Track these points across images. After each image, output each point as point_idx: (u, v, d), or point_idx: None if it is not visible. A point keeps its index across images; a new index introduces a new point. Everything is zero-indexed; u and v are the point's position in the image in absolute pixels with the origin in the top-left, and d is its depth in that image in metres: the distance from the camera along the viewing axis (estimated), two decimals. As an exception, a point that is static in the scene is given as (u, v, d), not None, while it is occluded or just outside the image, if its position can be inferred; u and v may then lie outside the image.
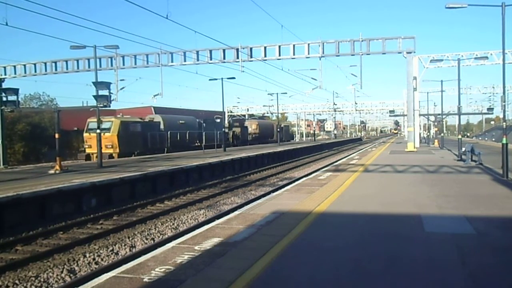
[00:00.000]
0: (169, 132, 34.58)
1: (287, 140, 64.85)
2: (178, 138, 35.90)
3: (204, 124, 40.53)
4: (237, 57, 30.38)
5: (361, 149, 45.04)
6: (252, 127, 55.67)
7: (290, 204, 9.66)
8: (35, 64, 34.16)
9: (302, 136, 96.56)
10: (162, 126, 34.44)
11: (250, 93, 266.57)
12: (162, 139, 34.19)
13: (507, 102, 45.26)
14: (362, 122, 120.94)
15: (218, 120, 41.86)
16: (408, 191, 11.39)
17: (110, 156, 27.80)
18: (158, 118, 35.76)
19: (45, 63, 33.74)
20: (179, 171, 19.36)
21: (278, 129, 59.48)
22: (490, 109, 47.40)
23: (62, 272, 7.92)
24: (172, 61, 31.41)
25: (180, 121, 38.23)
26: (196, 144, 38.87)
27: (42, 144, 38.48)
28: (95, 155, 26.20)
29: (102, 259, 8.73)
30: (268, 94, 57.54)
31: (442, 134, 43.81)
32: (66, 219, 12.04)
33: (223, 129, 39.68)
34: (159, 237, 10.47)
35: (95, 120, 25.82)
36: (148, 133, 31.74)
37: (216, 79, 34.63)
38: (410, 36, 29.21)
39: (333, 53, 29.66)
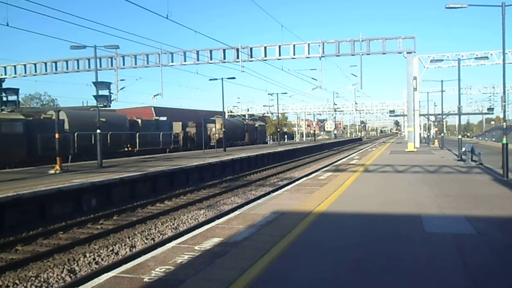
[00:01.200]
0: (76, 134, 25.64)
1: (261, 142, 54.84)
2: (93, 141, 25.44)
3: (140, 124, 33.50)
4: (237, 57, 30.43)
5: (361, 149, 45.03)
6: (215, 127, 45.87)
7: (290, 204, 9.65)
8: (35, 64, 34.23)
9: (302, 136, 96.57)
10: (66, 126, 25.83)
11: (250, 93, 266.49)
12: (63, 142, 24.13)
13: (507, 102, 45.25)
14: (362, 122, 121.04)
15: (164, 119, 36.97)
16: (408, 191, 11.38)
17: None
18: (61, 115, 25.25)
19: (45, 63, 33.82)
20: (179, 171, 19.35)
21: (278, 129, 59.30)
22: (490, 109, 47.52)
23: (62, 272, 7.91)
24: (172, 61, 31.47)
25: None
26: (127, 148, 30.94)
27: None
28: None
29: (102, 259, 8.73)
30: (268, 94, 57.60)
31: (442, 134, 43.81)
32: (66, 219, 12.04)
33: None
34: (159, 237, 10.47)
35: None
36: (38, 135, 22.61)
37: (216, 79, 34.66)
38: (410, 36, 29.27)
39: (333, 53, 29.71)
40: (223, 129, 43.66)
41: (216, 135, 44.11)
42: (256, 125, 56.80)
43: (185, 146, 38.51)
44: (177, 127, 39.04)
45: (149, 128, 33.99)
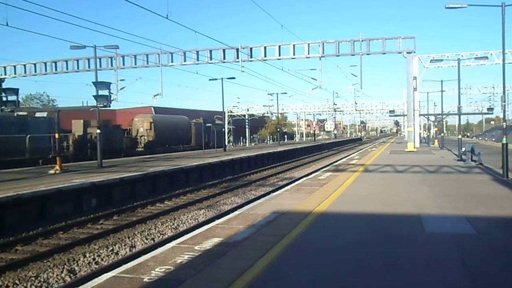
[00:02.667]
0: None
1: (218, 146, 38.47)
2: None
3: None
4: (237, 57, 30.42)
5: (361, 149, 45.03)
6: (143, 126, 34.51)
7: (290, 204, 9.65)
8: (35, 64, 34.22)
9: (302, 136, 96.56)
10: None
11: (250, 93, 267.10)
12: None
13: (507, 102, 45.24)
14: (362, 122, 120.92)
15: (42, 115, 26.79)
16: (408, 191, 11.38)
17: None
18: None
19: (45, 63, 33.81)
20: (179, 171, 19.36)
21: (278, 129, 58.79)
22: (490, 109, 47.46)
23: (62, 272, 7.92)
24: (172, 61, 31.46)
25: None
26: None
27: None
28: None
29: (102, 259, 8.73)
30: (268, 94, 57.54)
31: (442, 134, 43.81)
32: (66, 219, 12.04)
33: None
34: (159, 237, 10.47)
35: None
36: None
37: (216, 79, 34.65)
38: (410, 36, 29.26)
39: (333, 53, 29.70)
40: (153, 130, 34.49)
41: (145, 137, 34.12)
42: (209, 124, 43.00)
43: (79, 154, 26.90)
44: (77, 127, 28.93)
45: (4, 129, 23.15)
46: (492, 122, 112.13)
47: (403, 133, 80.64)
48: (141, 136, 34.13)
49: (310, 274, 5.00)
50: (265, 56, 30.13)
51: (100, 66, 30.56)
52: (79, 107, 27.80)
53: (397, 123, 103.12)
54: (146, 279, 4.88)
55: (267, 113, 72.27)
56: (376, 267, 5.23)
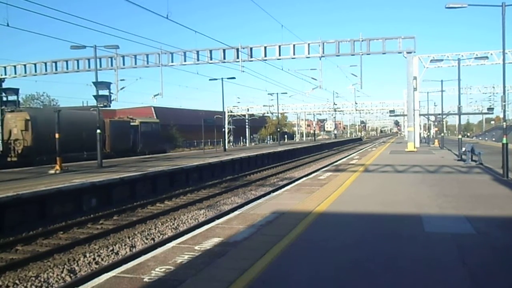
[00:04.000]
0: None
1: (152, 150, 31.59)
2: None
3: None
4: (237, 57, 30.41)
5: (361, 149, 45.03)
6: (16, 126, 24.15)
7: (290, 204, 9.65)
8: (35, 64, 34.19)
9: (302, 136, 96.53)
10: None
11: (250, 93, 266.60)
12: None
13: (507, 102, 45.21)
14: (362, 122, 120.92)
15: None
16: (408, 191, 11.38)
17: None
18: None
19: (45, 63, 33.78)
20: (179, 171, 19.36)
21: (278, 129, 58.68)
22: (490, 109, 47.48)
23: (62, 272, 7.92)
24: (172, 61, 31.44)
25: None
26: None
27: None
28: None
29: (102, 259, 8.73)
30: (268, 94, 57.56)
31: (442, 134, 43.79)
32: (66, 219, 12.04)
33: None
34: (159, 237, 10.47)
35: None
36: None
37: (216, 79, 34.68)
38: (410, 36, 29.25)
39: (333, 53, 29.68)
40: (31, 131, 23.94)
41: (19, 141, 23.94)
42: (137, 122, 32.49)
43: None
44: None
45: None
46: (492, 122, 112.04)
47: (403, 133, 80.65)
48: (14, 140, 23.52)
49: (310, 274, 4.99)
50: (265, 56, 30.12)
51: (100, 66, 30.54)
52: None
53: (397, 123, 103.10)
54: (146, 279, 4.88)
55: (267, 113, 72.24)
56: (376, 267, 5.23)
